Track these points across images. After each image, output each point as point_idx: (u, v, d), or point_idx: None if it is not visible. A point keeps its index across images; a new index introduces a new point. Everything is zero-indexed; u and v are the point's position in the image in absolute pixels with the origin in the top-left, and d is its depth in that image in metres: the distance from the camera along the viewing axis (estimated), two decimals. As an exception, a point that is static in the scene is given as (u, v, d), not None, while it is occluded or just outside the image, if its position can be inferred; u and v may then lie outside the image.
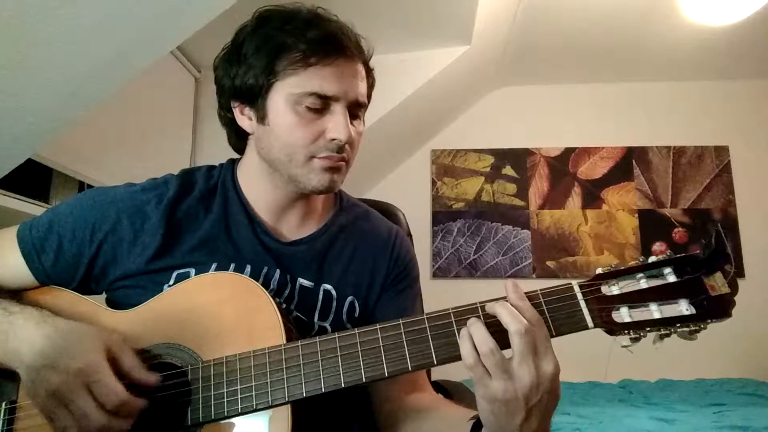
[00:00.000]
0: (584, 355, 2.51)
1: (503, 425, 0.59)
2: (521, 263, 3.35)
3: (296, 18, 0.77)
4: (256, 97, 0.78)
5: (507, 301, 0.62)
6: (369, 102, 0.85)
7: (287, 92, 0.75)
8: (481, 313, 0.64)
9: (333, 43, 0.75)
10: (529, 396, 0.58)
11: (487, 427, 0.62)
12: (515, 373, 0.58)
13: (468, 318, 0.63)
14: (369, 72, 0.84)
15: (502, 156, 3.51)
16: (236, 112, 0.82)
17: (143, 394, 0.65)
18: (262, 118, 0.78)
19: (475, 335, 0.60)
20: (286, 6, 0.79)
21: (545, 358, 0.59)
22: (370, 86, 0.85)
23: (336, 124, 0.76)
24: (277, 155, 0.78)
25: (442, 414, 0.76)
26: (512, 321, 0.59)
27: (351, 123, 0.78)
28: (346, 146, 0.78)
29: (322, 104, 0.76)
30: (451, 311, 0.65)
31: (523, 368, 0.58)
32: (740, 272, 3.19)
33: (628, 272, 0.64)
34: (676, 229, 3.34)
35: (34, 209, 1.59)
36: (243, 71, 0.77)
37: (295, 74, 0.75)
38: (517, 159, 3.50)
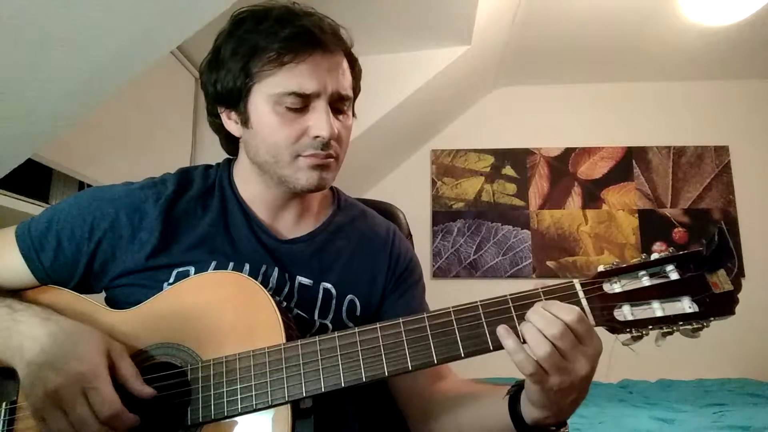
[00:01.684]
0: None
1: (556, 403, 0.61)
2: (521, 263, 3.35)
3: (269, 17, 0.75)
4: (237, 101, 0.77)
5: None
6: (357, 93, 0.84)
7: (266, 93, 0.75)
8: (482, 311, 0.64)
9: (306, 39, 0.74)
10: (583, 381, 0.60)
11: (536, 404, 0.62)
12: (572, 368, 0.59)
13: (468, 316, 0.63)
14: (353, 62, 0.82)
15: (502, 156, 3.51)
16: (223, 117, 0.82)
17: (140, 404, 0.65)
18: (245, 121, 0.78)
19: (531, 338, 0.60)
20: (260, 5, 0.78)
21: (591, 342, 0.60)
22: (356, 77, 0.82)
23: (317, 121, 0.74)
24: (264, 157, 0.78)
25: (474, 397, 0.76)
26: (548, 325, 0.59)
27: (336, 117, 0.77)
28: (333, 142, 0.77)
29: (303, 102, 0.74)
30: (451, 310, 0.65)
31: (578, 362, 0.59)
32: (740, 272, 3.18)
33: (630, 270, 0.63)
34: (676, 229, 3.34)
35: (34, 209, 1.58)
36: (222, 76, 0.77)
37: (271, 75, 0.74)
38: (517, 159, 3.50)
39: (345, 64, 0.79)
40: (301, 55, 0.73)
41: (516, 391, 0.67)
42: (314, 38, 0.74)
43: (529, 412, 0.64)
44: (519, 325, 0.62)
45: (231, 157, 0.90)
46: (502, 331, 0.62)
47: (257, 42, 0.74)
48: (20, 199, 1.56)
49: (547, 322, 0.59)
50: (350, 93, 0.80)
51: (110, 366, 0.65)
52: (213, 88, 0.79)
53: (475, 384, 0.83)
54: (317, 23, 0.76)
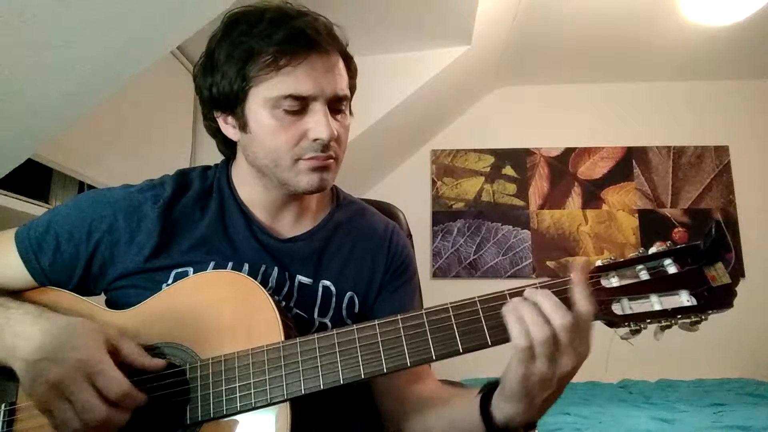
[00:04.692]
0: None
1: (532, 395, 0.60)
2: (521, 263, 3.35)
3: (262, 19, 0.74)
4: (234, 106, 0.77)
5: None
6: (353, 91, 0.83)
7: (263, 97, 0.74)
8: (480, 306, 0.64)
9: (302, 41, 0.73)
10: (564, 377, 0.60)
11: (511, 395, 0.61)
12: (559, 361, 0.59)
13: (466, 311, 0.64)
14: (348, 61, 0.81)
15: (502, 156, 3.51)
16: (220, 121, 0.81)
17: (144, 388, 0.65)
18: (243, 126, 0.77)
19: (531, 319, 0.59)
20: (252, 6, 0.77)
21: (584, 342, 0.60)
22: (352, 76, 0.82)
23: (317, 124, 0.74)
24: (263, 161, 0.78)
25: (446, 400, 0.76)
26: (558, 314, 0.59)
27: (334, 118, 0.77)
28: (332, 143, 0.76)
29: (300, 105, 0.74)
30: (449, 306, 0.65)
31: (568, 356, 0.59)
32: (740, 272, 3.19)
33: (628, 264, 0.63)
34: (676, 229, 3.34)
35: (34, 209, 1.59)
36: (218, 80, 0.76)
37: (267, 78, 0.73)
38: (517, 159, 3.50)
39: (341, 64, 0.79)
40: (297, 58, 0.73)
41: (488, 391, 0.67)
42: (309, 39, 0.73)
43: (501, 408, 0.63)
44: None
45: (229, 158, 0.89)
46: (507, 307, 0.61)
47: (252, 45, 0.73)
48: (20, 199, 1.57)
49: (554, 306, 0.59)
50: (347, 92, 0.79)
51: (111, 350, 0.65)
52: (209, 93, 0.78)
53: (450, 388, 0.83)
54: (311, 24, 0.75)
